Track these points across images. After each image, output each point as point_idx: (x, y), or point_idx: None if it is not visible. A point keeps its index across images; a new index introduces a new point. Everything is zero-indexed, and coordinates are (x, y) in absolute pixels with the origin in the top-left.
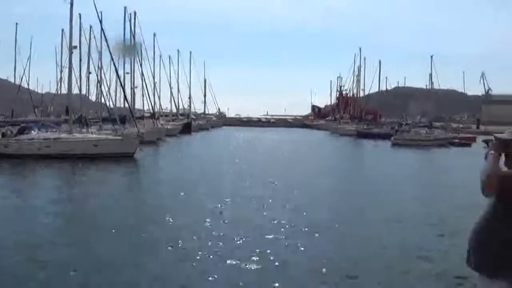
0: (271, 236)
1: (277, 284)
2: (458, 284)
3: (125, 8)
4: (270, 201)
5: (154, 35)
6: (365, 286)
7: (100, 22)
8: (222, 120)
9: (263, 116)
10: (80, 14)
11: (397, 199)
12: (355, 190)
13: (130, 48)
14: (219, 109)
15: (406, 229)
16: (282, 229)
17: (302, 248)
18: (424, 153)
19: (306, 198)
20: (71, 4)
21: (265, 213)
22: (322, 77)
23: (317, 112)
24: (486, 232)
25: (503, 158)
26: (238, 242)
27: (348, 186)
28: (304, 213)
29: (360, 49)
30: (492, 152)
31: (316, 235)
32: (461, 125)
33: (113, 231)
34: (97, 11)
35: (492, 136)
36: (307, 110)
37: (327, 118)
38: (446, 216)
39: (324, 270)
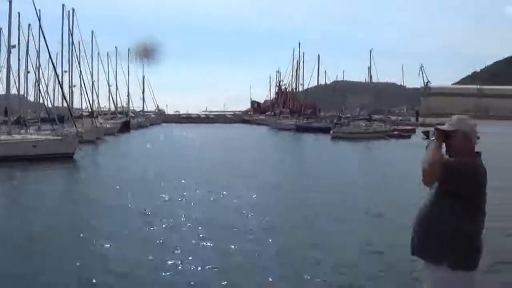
0: (198, 237)
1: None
2: (406, 272)
3: (63, 5)
4: (206, 200)
5: (92, 32)
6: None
7: (39, 19)
8: (161, 117)
9: (202, 113)
10: (19, 13)
11: (336, 192)
12: (294, 184)
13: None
14: (158, 106)
15: (344, 220)
16: (208, 228)
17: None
18: (363, 146)
19: (241, 196)
20: (10, 2)
21: (197, 214)
22: (261, 73)
23: (256, 107)
24: (429, 220)
25: (444, 148)
26: (166, 243)
27: (287, 180)
28: (234, 211)
29: (299, 44)
30: (434, 140)
31: (253, 234)
32: (400, 118)
33: (43, 231)
34: (35, 9)
35: (432, 128)
36: (246, 106)
37: (266, 113)
38: (386, 206)
39: (262, 269)
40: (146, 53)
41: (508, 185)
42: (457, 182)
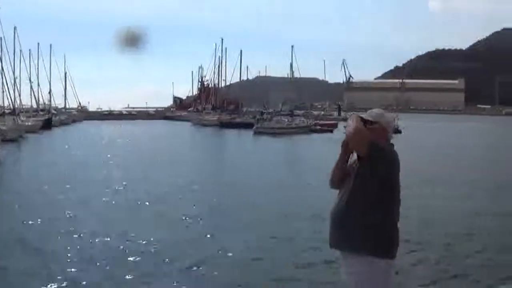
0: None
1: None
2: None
3: None
4: (121, 200)
5: (15, 29)
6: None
7: None
8: (83, 115)
9: (125, 109)
10: None
11: (256, 186)
12: (216, 180)
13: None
14: (80, 103)
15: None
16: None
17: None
18: (285, 141)
19: (158, 193)
20: None
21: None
22: (184, 68)
23: (179, 103)
24: (346, 211)
25: None
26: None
27: (208, 176)
28: (149, 207)
29: (221, 40)
30: (354, 113)
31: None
32: (322, 112)
33: None
34: None
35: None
36: (169, 102)
37: (189, 109)
38: (303, 199)
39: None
40: (132, 41)
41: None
42: (380, 161)
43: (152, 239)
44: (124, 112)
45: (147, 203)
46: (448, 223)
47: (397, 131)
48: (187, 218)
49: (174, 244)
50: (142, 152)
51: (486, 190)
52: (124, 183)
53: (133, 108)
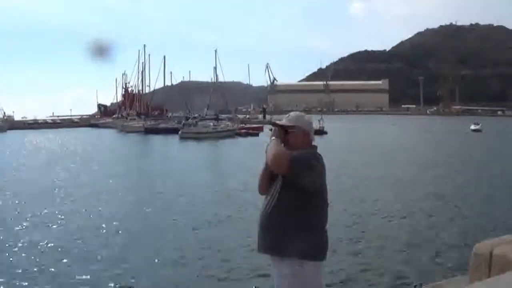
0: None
1: None
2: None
3: None
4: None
5: None
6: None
7: None
8: (7, 124)
9: (49, 117)
10: None
11: (181, 191)
12: (139, 187)
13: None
14: (4, 113)
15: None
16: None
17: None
18: (211, 145)
19: (78, 203)
20: None
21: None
22: (107, 75)
23: (103, 110)
24: (275, 215)
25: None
26: None
27: (133, 183)
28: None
29: (144, 46)
30: (274, 138)
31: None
32: (248, 116)
33: None
34: None
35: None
36: (93, 109)
37: (114, 116)
38: (228, 202)
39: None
40: (102, 50)
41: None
42: (303, 174)
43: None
44: (49, 121)
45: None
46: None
47: (323, 132)
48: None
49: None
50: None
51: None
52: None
53: (58, 116)
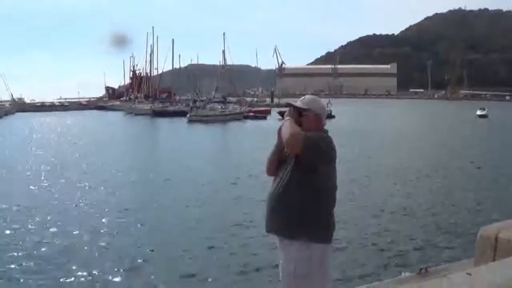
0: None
1: None
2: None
3: None
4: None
5: None
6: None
7: None
8: (16, 107)
9: (57, 100)
10: None
11: (190, 176)
12: (150, 169)
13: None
14: (12, 96)
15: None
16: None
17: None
18: (219, 128)
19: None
20: None
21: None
22: (115, 58)
23: (111, 93)
24: (284, 196)
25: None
26: None
27: (143, 164)
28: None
29: (152, 28)
30: (289, 118)
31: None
32: (255, 99)
33: None
34: None
35: (286, 107)
36: (101, 92)
37: (121, 99)
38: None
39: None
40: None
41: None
42: (317, 155)
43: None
44: (57, 103)
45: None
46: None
47: (330, 116)
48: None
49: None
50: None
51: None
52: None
53: (66, 99)
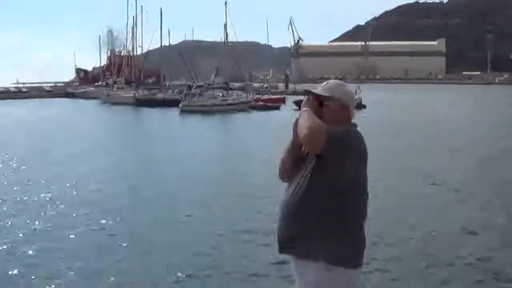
0: None
1: None
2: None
3: None
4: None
5: None
6: None
7: None
8: None
9: (13, 85)
10: None
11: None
12: (132, 177)
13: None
14: None
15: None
16: None
17: None
18: (219, 121)
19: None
20: None
21: None
22: (88, 33)
23: (83, 76)
24: (301, 209)
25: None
26: None
27: (124, 171)
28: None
29: None
30: (306, 109)
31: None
32: (266, 85)
33: None
34: None
35: (304, 95)
36: (70, 75)
37: (96, 84)
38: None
39: None
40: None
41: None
42: (343, 154)
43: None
44: (12, 89)
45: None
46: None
47: (360, 105)
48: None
49: None
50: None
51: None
52: None
53: (24, 83)
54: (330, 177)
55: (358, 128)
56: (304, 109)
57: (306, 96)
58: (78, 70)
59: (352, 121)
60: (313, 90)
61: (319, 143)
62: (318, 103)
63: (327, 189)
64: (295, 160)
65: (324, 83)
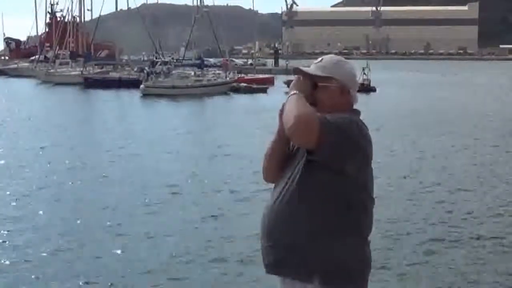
0: None
1: None
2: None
3: None
4: None
5: None
6: None
7: None
8: None
9: None
10: None
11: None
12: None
13: None
14: None
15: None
16: None
17: None
18: (192, 107)
19: None
20: None
21: None
22: None
23: (14, 48)
24: (291, 220)
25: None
26: None
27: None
28: None
29: None
30: (295, 92)
31: None
32: (250, 61)
33: None
34: None
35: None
36: None
37: (32, 58)
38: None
39: None
40: None
41: None
42: (342, 149)
43: None
44: None
45: None
46: None
47: (369, 88)
48: None
49: None
50: None
51: None
52: None
53: None
54: (324, 179)
55: (361, 117)
56: (292, 92)
57: (296, 76)
58: (7, 40)
59: (354, 107)
60: (304, 69)
61: (309, 136)
62: (312, 85)
63: (321, 191)
64: (282, 157)
65: (319, 59)
